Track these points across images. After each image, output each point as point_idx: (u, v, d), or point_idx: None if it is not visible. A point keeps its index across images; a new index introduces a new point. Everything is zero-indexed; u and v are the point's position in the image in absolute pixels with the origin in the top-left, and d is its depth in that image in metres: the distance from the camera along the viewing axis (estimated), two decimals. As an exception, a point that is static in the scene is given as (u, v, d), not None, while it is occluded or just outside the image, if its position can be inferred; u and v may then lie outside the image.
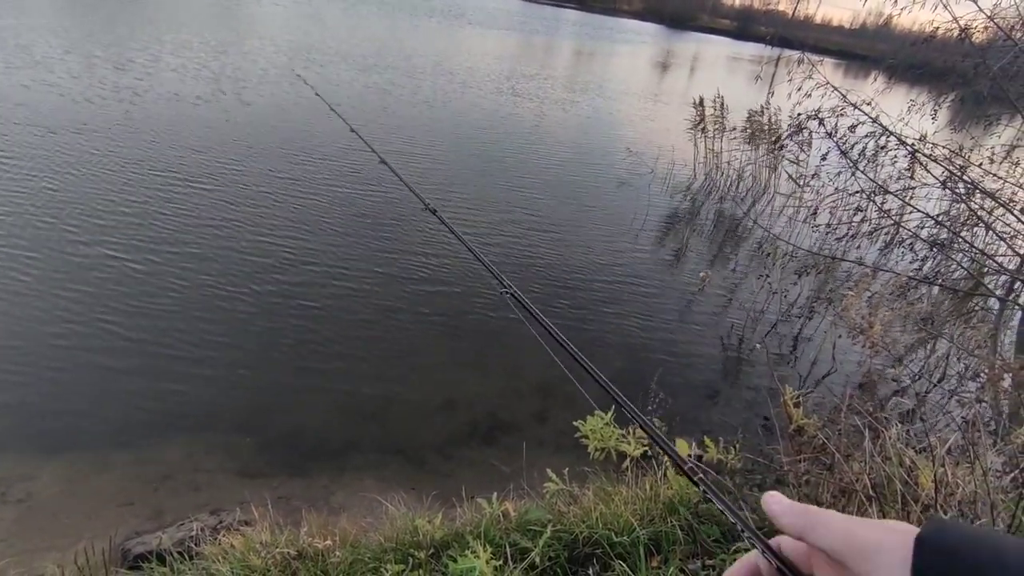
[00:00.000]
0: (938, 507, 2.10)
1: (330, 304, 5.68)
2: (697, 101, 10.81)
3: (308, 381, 4.76)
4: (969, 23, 4.54)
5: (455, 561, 2.31)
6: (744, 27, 71.20)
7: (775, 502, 0.48)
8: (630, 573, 2.35)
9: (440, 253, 6.92)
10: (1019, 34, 4.33)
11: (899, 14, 5.22)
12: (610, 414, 3.78)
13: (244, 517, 3.21)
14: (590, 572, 2.40)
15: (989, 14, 4.42)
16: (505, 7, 52.80)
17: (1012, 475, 2.42)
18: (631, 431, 3.81)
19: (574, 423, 3.88)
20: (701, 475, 0.68)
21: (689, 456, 3.11)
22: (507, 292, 1.02)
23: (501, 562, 2.38)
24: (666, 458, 3.39)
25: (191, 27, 18.61)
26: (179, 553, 2.81)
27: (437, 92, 15.14)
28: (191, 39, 16.53)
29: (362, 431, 4.35)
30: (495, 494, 2.93)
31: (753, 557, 0.51)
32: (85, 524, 3.36)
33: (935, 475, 2.14)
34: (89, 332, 4.80)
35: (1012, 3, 4.61)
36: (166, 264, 5.84)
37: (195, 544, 2.91)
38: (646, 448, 3.74)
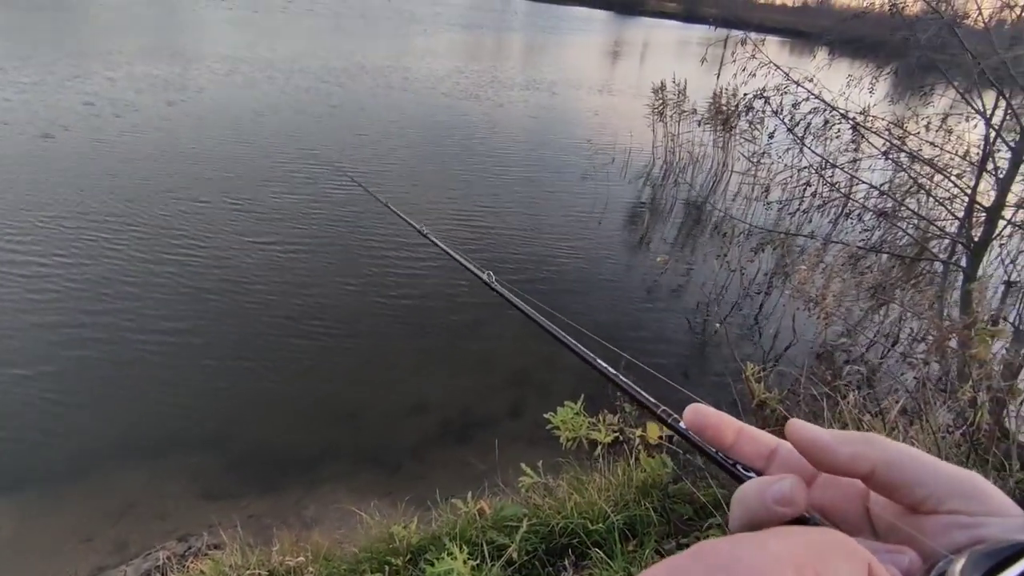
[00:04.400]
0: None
1: (290, 311, 5.55)
2: (657, 87, 10.94)
3: (272, 393, 4.64)
4: (899, -3, 4.70)
5: (432, 565, 2.29)
6: (691, 9, 72.31)
7: (817, 433, 0.33)
8: (606, 559, 2.37)
9: (403, 255, 6.84)
10: (944, 6, 4.50)
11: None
12: (579, 403, 3.80)
13: (213, 541, 3.13)
14: (567, 563, 2.41)
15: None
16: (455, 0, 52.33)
17: (961, 430, 2.53)
18: (601, 419, 3.84)
19: (545, 415, 3.89)
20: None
21: (660, 438, 3.16)
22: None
23: (478, 561, 2.37)
24: (638, 440, 3.41)
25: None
26: (146, 584, 2.72)
27: (379, 95, 14.80)
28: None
29: (332, 441, 4.27)
30: (470, 493, 2.91)
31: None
32: (44, 565, 3.21)
33: (888, 436, 2.21)
34: (31, 357, 4.58)
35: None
36: (112, 277, 5.61)
37: (162, 574, 2.82)
38: (616, 434, 3.77)
